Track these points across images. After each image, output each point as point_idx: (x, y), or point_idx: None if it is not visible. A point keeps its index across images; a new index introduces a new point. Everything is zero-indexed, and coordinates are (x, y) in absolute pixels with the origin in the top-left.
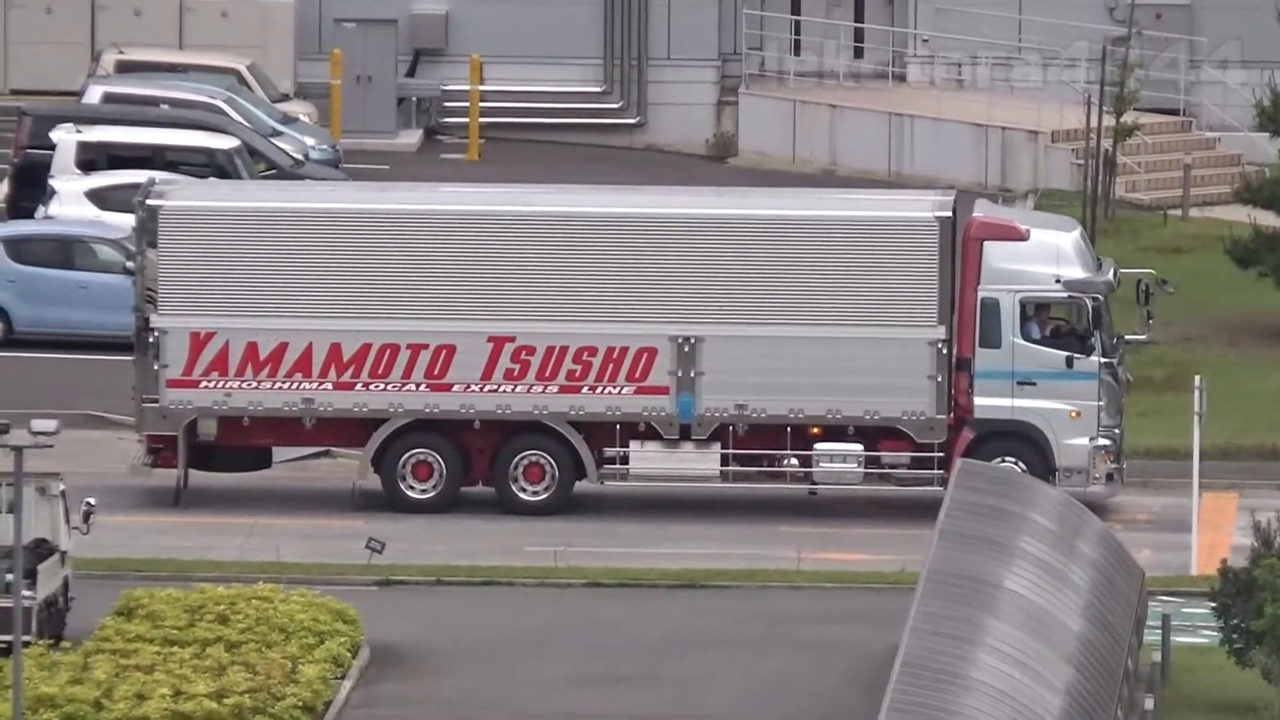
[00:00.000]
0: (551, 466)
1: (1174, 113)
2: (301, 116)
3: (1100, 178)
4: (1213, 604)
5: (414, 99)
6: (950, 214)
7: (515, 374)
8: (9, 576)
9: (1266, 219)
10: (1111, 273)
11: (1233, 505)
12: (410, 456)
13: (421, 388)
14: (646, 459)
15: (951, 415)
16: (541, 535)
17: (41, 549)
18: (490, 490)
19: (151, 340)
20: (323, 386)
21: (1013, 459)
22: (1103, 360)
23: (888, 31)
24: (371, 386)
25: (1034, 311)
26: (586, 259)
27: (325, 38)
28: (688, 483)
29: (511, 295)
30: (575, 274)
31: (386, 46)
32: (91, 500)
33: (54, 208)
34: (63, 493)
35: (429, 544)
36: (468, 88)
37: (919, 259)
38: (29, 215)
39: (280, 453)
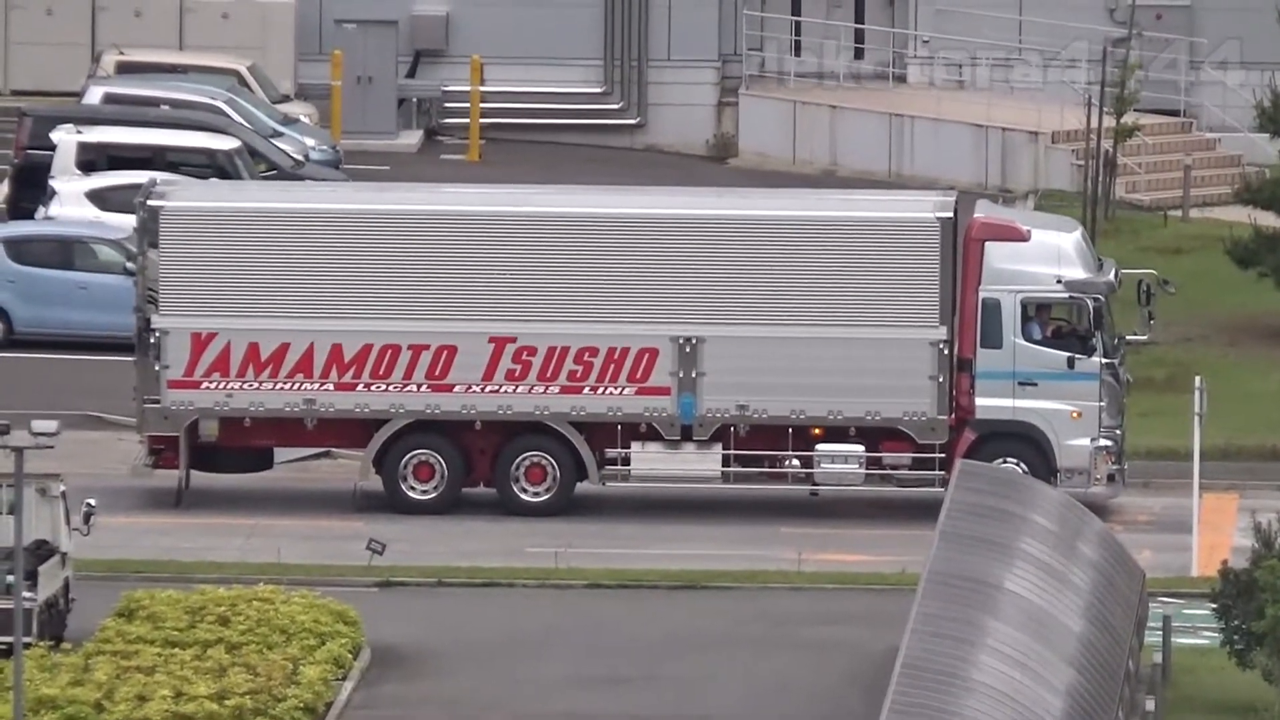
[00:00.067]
0: (553, 467)
1: (1174, 113)
2: (302, 117)
3: (1100, 178)
4: (1213, 605)
5: (414, 100)
6: (951, 215)
7: (516, 375)
8: (10, 578)
9: (1267, 219)
10: (1113, 273)
11: (1233, 506)
12: (412, 457)
13: (423, 388)
14: (648, 460)
15: (953, 416)
16: (542, 536)
17: (42, 550)
18: (491, 491)
19: (153, 341)
20: (324, 387)
21: (1014, 460)
22: (1104, 361)
23: (888, 32)
24: (373, 387)
25: (1035, 312)
26: (588, 260)
27: (326, 39)
28: (689, 484)
29: (513, 296)
30: (576, 275)
31: (387, 47)
32: (92, 501)
33: (54, 208)
34: (63, 494)
35: (430, 545)
36: (468, 88)
37: (920, 260)
38: (29, 216)
39: (281, 453)
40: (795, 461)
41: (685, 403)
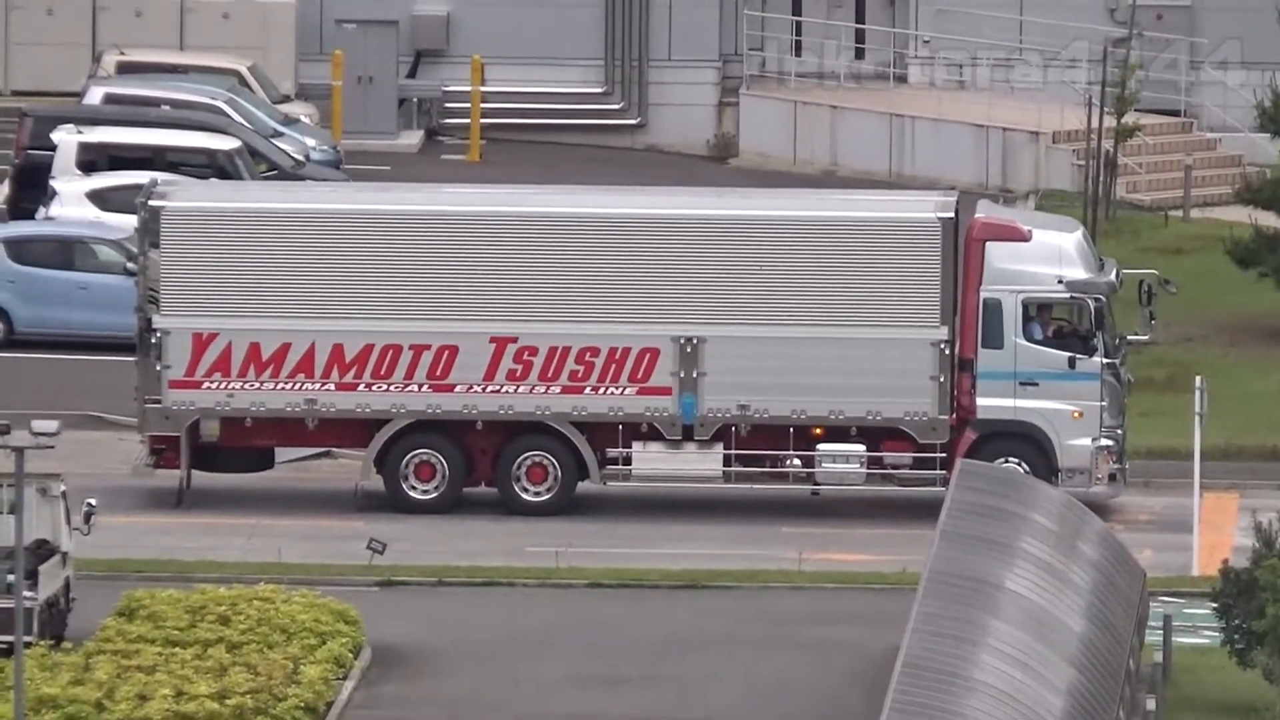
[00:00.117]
0: (554, 467)
1: (1175, 114)
2: (302, 117)
3: (1101, 178)
4: (1214, 604)
5: (415, 100)
6: (953, 215)
7: (518, 375)
8: (11, 577)
9: (1267, 220)
10: (1114, 273)
11: (1234, 506)
12: (413, 457)
13: (424, 388)
14: (649, 460)
15: (954, 416)
16: (543, 536)
17: (43, 550)
18: (493, 491)
19: (154, 341)
20: (325, 387)
21: (1015, 460)
22: (1105, 361)
23: (888, 32)
24: (374, 387)
25: (1036, 312)
26: (589, 260)
27: (326, 39)
28: (690, 483)
29: (514, 296)
30: (578, 275)
31: (387, 47)
32: (92, 501)
33: (55, 208)
34: (64, 493)
35: (430, 545)
36: (469, 89)
37: (921, 260)
38: (30, 216)
39: (282, 453)
40: (796, 461)
41: (686, 402)
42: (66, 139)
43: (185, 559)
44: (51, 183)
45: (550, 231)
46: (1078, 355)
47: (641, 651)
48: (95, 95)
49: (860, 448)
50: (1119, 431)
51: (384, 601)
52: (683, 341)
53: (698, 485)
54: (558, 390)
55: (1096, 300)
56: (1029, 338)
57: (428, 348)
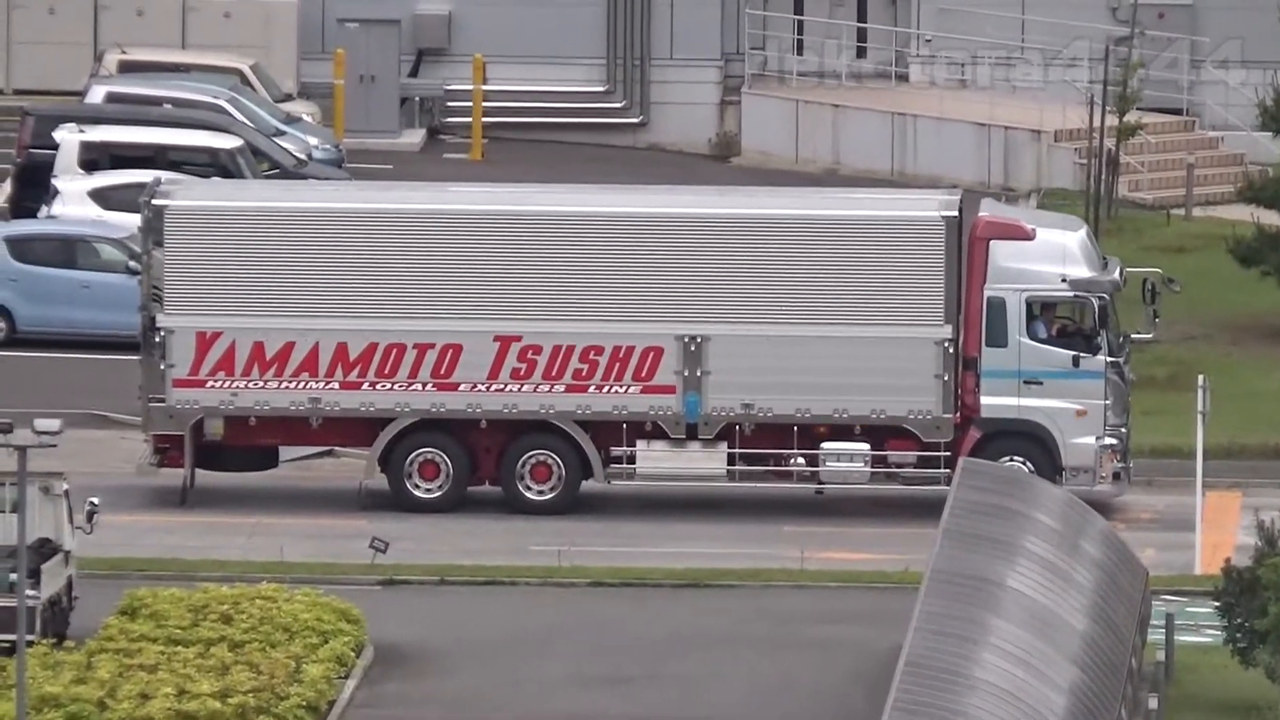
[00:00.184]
0: (558, 466)
1: (1176, 112)
2: (304, 116)
3: (1103, 177)
4: (1216, 603)
5: (417, 99)
6: (956, 213)
7: (522, 373)
8: (13, 576)
9: (1269, 218)
10: (1118, 272)
11: (1236, 504)
12: (417, 456)
13: (428, 387)
14: (653, 458)
15: (958, 414)
16: (545, 535)
17: (45, 549)
18: (497, 490)
19: (158, 340)
20: (329, 386)
21: (1019, 458)
22: (1109, 359)
23: (890, 31)
24: (378, 386)
25: (1040, 311)
26: (593, 258)
27: (328, 37)
28: (694, 482)
29: (518, 295)
30: (581, 273)
31: (389, 46)
32: (95, 500)
33: (57, 207)
34: (66, 492)
35: (433, 543)
36: (470, 87)
37: (925, 258)
38: (32, 215)
39: (285, 452)
40: (800, 460)
41: (690, 401)
42: (68, 138)
43: (188, 558)
44: (53, 181)
45: (554, 230)
46: (1082, 354)
47: (644, 650)
48: (97, 94)
49: (864, 446)
50: (1123, 430)
51: (386, 600)
52: (687, 340)
53: (702, 484)
54: (562, 389)
55: (1100, 299)
56: (1033, 336)
57: (432, 346)
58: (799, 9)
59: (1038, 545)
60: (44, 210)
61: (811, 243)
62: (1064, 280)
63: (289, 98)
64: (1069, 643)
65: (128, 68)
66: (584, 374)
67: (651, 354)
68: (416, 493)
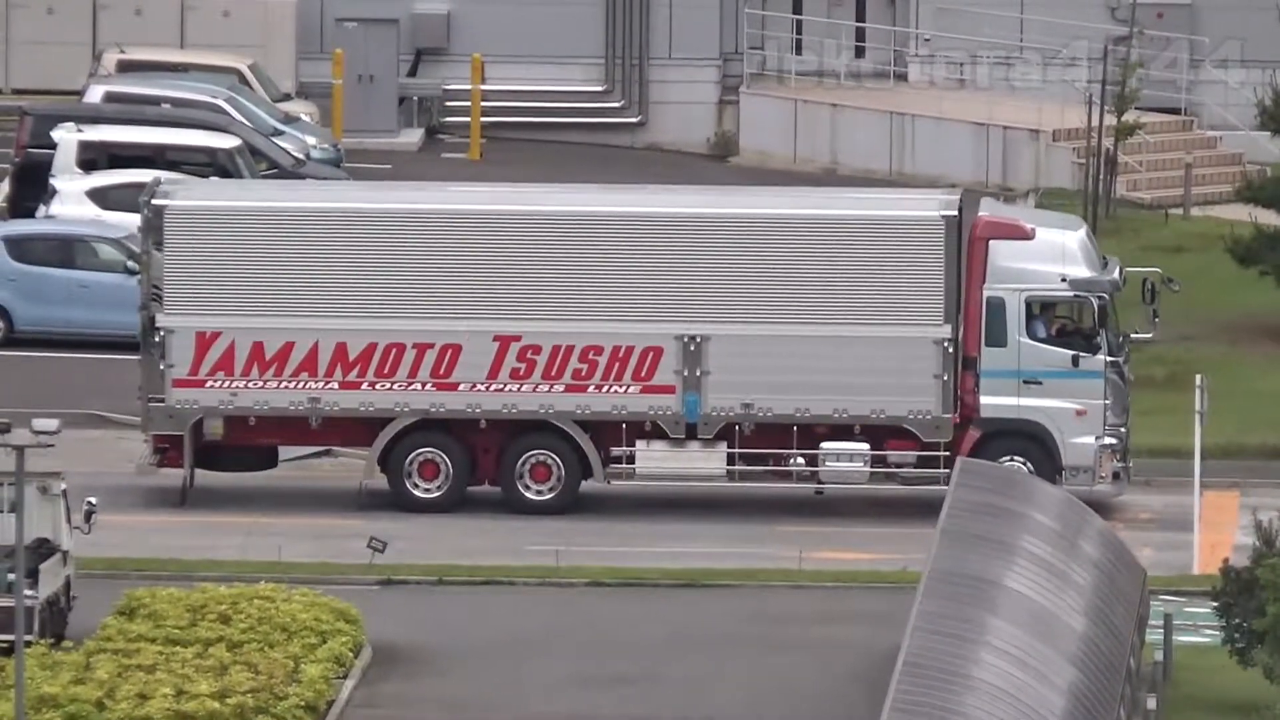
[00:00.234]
0: (558, 466)
1: (1175, 112)
2: (303, 116)
3: (1101, 177)
4: (1214, 603)
5: (415, 98)
6: (956, 213)
7: (521, 373)
8: (11, 576)
9: (1268, 218)
10: (1117, 271)
11: (1234, 504)
12: (417, 456)
13: (428, 387)
14: (652, 458)
15: (957, 414)
16: (544, 534)
17: (43, 549)
18: (496, 490)
19: (157, 340)
20: (329, 386)
21: (1019, 458)
22: (1108, 359)
23: (889, 31)
24: (378, 386)
25: (1040, 310)
26: (593, 258)
27: (327, 37)
28: (694, 482)
29: (517, 294)
30: (581, 273)
31: (388, 46)
32: (93, 499)
33: (55, 207)
34: (64, 492)
35: (431, 543)
36: (469, 87)
37: (925, 258)
38: (30, 214)
39: (284, 452)
40: (800, 460)
41: (690, 401)
42: (67, 137)
43: (186, 558)
44: (52, 181)
45: (554, 230)
46: (1081, 353)
47: (642, 650)
48: (95, 94)
49: (864, 446)
50: (1122, 430)
51: (384, 600)
52: (686, 340)
53: (701, 484)
54: (561, 389)
55: (1100, 298)
56: (1032, 336)
57: (431, 346)
58: (798, 9)
59: (1036, 545)
60: (42, 210)
61: (811, 242)
62: (1064, 280)
63: (287, 97)
64: (1067, 643)
65: (126, 67)
66: (583, 374)
67: (651, 354)
68: (416, 493)
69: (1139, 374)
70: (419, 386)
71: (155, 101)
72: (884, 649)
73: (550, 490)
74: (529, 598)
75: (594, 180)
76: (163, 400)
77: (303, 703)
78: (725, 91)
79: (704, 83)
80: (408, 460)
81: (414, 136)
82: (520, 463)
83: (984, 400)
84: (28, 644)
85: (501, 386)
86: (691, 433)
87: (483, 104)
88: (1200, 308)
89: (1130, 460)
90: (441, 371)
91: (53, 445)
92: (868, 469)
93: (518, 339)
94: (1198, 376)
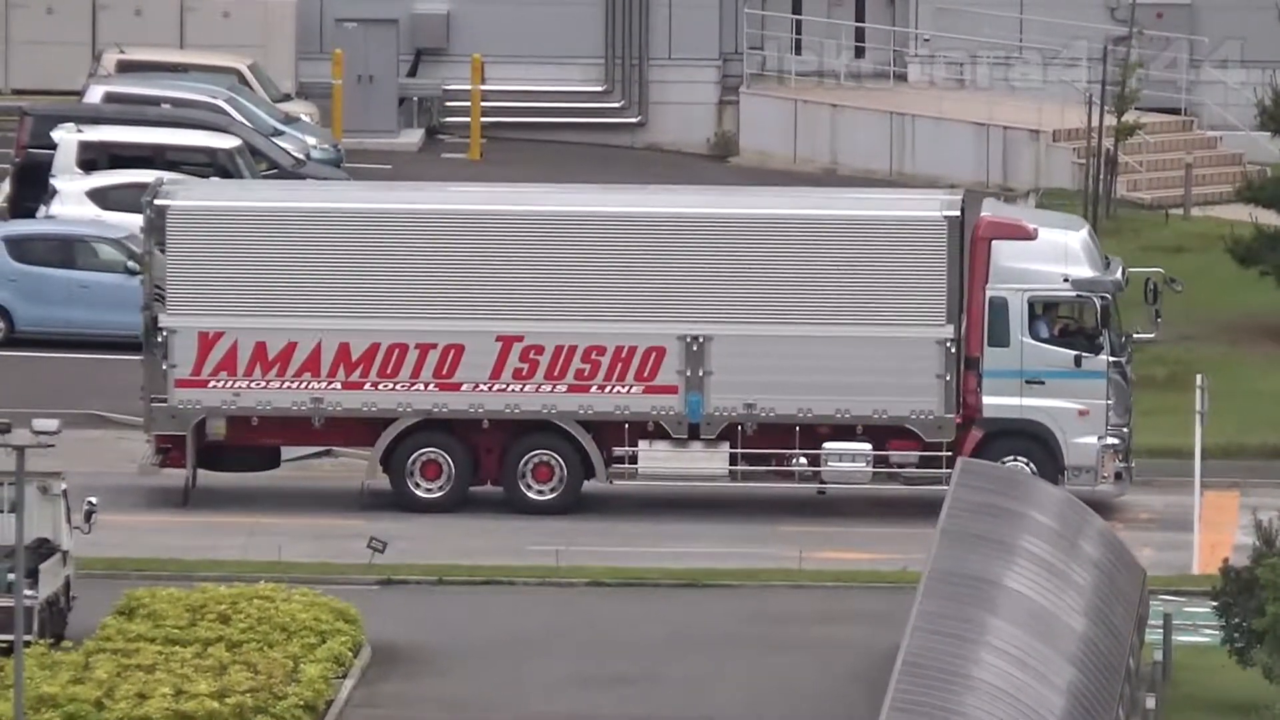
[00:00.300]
0: (560, 466)
1: (1175, 112)
2: (303, 116)
3: (1101, 177)
4: (1214, 603)
5: (415, 99)
6: (959, 213)
7: (524, 373)
8: (11, 576)
9: (1268, 218)
10: (1120, 271)
11: (1234, 504)
12: (419, 456)
13: (430, 387)
14: (655, 458)
15: (960, 414)
16: (546, 534)
17: (43, 548)
18: (498, 490)
19: (160, 340)
20: (331, 386)
21: (1022, 458)
22: (1111, 359)
23: (889, 31)
24: (380, 386)
25: (1042, 310)
26: (595, 258)
27: (326, 37)
28: (696, 482)
29: (520, 294)
30: (584, 273)
31: (388, 46)
32: (93, 499)
33: (55, 207)
34: (64, 492)
35: (432, 543)
36: (469, 87)
37: (927, 258)
38: (30, 215)
39: (288, 452)
40: (803, 460)
41: (693, 401)
42: (67, 137)
43: (185, 558)
44: (52, 181)
45: (557, 230)
46: (1084, 354)
47: (642, 650)
48: (95, 94)
49: (866, 446)
50: (1125, 430)
51: (384, 600)
52: (689, 340)
53: (704, 484)
54: (564, 389)
55: (1102, 298)
56: (1035, 336)
57: (434, 346)
58: (797, 9)
59: (1036, 545)
60: (42, 210)
61: (814, 242)
62: (1066, 280)
63: (287, 97)
64: (1067, 643)
65: (126, 67)
66: (586, 374)
67: (654, 354)
68: (418, 493)
69: (1139, 374)
70: (422, 387)
71: (155, 102)
72: (884, 649)
73: (553, 490)
74: (529, 598)
75: (594, 181)
76: (165, 400)
77: (302, 702)
78: (725, 92)
79: (704, 83)
80: (410, 460)
81: (414, 137)
82: (523, 463)
83: (986, 400)
84: (27, 644)
85: (504, 387)
86: (694, 433)
87: (483, 104)
88: (1200, 308)
89: (1133, 460)
90: (444, 372)
91: (53, 445)
92: (870, 469)
93: (520, 339)
94: (1198, 376)
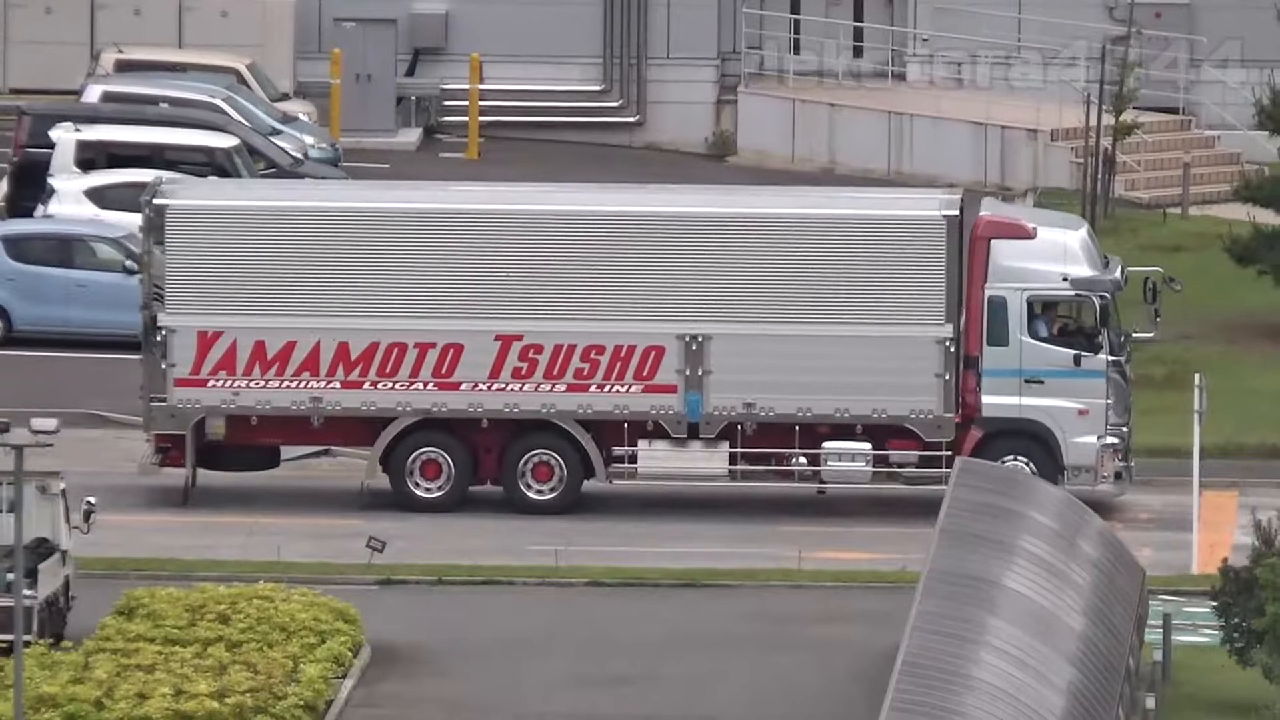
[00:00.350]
0: (560, 465)
1: (1173, 111)
2: (301, 115)
3: (1100, 176)
4: (1214, 603)
5: (413, 98)
6: (958, 212)
7: (523, 372)
8: (10, 576)
9: (1266, 217)
10: (1119, 271)
11: (1233, 504)
12: (419, 455)
13: (429, 386)
14: (654, 458)
15: (959, 414)
16: (545, 534)
17: (42, 548)
18: (497, 489)
19: (159, 339)
20: (331, 385)
21: (1021, 458)
22: (1110, 358)
23: (887, 30)
24: (379, 385)
25: (1041, 310)
26: (594, 257)
27: (325, 37)
28: (696, 482)
29: (519, 294)
30: (583, 272)
31: (386, 45)
32: (92, 499)
33: (53, 206)
34: (63, 492)
35: (432, 543)
36: (467, 86)
37: (927, 257)
38: (28, 214)
39: (287, 451)
40: (802, 459)
41: (692, 400)
42: (65, 137)
43: (185, 557)
44: (50, 180)
45: (556, 229)
46: (1083, 353)
47: (642, 650)
48: (94, 93)
49: (866, 446)
50: (1124, 429)
51: (384, 600)
52: (688, 339)
53: (704, 484)
54: (563, 388)
55: (1102, 298)
56: (1034, 335)
57: (433, 346)
58: (795, 8)
59: (1035, 545)
60: (40, 209)
61: (813, 241)
62: (1065, 279)
63: (285, 97)
64: (1066, 642)
65: (124, 67)
66: (585, 373)
67: (653, 353)
68: (418, 492)
69: (1138, 374)
70: (421, 386)
71: (153, 101)
72: (883, 649)
73: (552, 490)
74: (529, 597)
75: (592, 180)
76: (164, 400)
77: (301, 702)
78: (723, 91)
79: (702, 82)
80: (410, 460)
81: (412, 136)
82: (522, 462)
83: (986, 400)
84: (27, 644)
85: (503, 386)
86: (693, 432)
87: (481, 103)
88: (1199, 307)
89: (1132, 460)
90: (443, 371)
91: (52, 445)
92: (870, 468)
93: (519, 338)
94: (1196, 376)
